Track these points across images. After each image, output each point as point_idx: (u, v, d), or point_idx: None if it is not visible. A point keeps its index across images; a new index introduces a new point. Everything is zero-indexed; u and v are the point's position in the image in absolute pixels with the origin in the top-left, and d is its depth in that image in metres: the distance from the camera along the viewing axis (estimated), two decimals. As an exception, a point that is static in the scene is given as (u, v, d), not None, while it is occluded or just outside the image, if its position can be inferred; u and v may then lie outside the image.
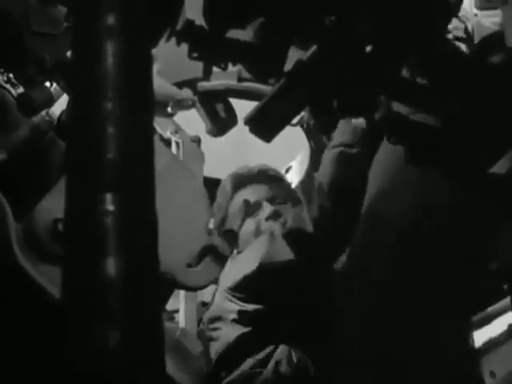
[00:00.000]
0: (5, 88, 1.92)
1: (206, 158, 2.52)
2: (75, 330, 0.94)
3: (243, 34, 1.37)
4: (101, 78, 1.03)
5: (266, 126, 1.57)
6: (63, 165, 1.79)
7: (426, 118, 1.51)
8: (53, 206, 1.68)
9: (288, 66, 1.44)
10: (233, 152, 3.53)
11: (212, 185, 2.20)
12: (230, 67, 1.42)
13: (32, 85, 1.87)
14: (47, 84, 1.90)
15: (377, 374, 1.95)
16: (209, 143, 2.66)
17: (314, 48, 1.41)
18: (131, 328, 0.93)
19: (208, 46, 1.36)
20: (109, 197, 0.96)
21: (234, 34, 1.36)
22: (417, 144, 1.52)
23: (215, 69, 2.37)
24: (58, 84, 1.89)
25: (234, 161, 3.52)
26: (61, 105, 1.91)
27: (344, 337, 2.05)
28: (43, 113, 1.89)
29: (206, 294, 2.75)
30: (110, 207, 0.96)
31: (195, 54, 1.35)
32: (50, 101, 1.87)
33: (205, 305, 2.72)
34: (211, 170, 2.85)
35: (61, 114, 1.87)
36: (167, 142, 2.50)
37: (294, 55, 1.42)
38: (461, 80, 1.42)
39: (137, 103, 1.04)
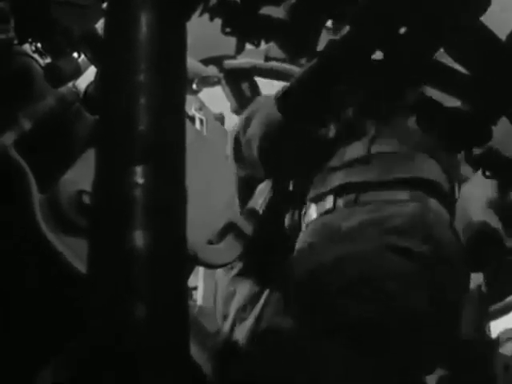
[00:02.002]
0: (33, 58, 1.91)
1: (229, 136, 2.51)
2: (100, 303, 0.94)
3: (277, 11, 1.35)
4: (134, 49, 1.02)
5: (296, 106, 1.55)
6: (92, 136, 1.78)
7: (459, 105, 1.49)
8: (78, 177, 1.68)
9: (321, 46, 1.42)
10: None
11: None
12: (263, 45, 1.40)
13: (60, 55, 1.86)
14: (75, 55, 1.89)
15: None
16: (233, 121, 2.65)
17: (347, 28, 1.40)
18: (157, 302, 0.93)
19: (241, 22, 1.34)
20: (139, 169, 0.96)
21: (267, 10, 1.35)
22: (448, 130, 1.50)
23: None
24: (85, 55, 1.88)
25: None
26: (87, 76, 1.90)
27: None
28: (70, 84, 1.88)
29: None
30: (140, 180, 0.95)
31: (228, 30, 1.33)
32: (77, 72, 1.87)
33: None
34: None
35: (88, 86, 1.86)
36: (191, 119, 2.50)
37: (327, 35, 1.40)
38: (496, 66, 1.40)
39: (170, 76, 1.03)
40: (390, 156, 2.13)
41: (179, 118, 1.03)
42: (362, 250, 1.92)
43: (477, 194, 2.10)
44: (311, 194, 2.16)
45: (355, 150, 2.12)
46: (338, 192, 2.09)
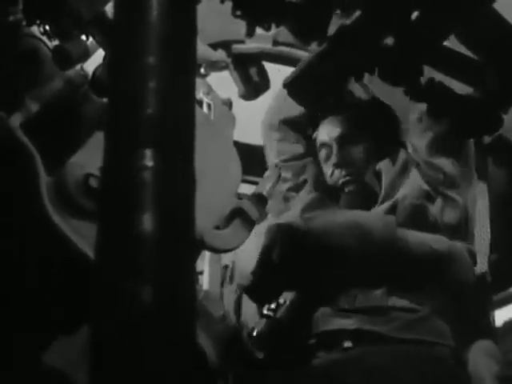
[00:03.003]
0: (41, 40, 1.90)
1: (237, 122, 2.50)
2: (107, 287, 0.93)
3: (288, -6, 1.34)
4: (143, 32, 1.01)
5: (305, 90, 1.54)
6: (99, 119, 1.78)
7: (468, 90, 1.49)
8: (85, 160, 1.67)
9: (331, 30, 1.41)
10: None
11: (241, 149, 2.18)
12: (273, 29, 1.39)
13: (68, 38, 1.85)
14: (83, 37, 1.88)
15: None
16: (241, 107, 2.64)
17: (358, 12, 1.39)
18: (164, 286, 0.92)
19: (252, 5, 1.33)
20: (148, 152, 0.95)
21: (279, -7, 1.34)
22: (457, 115, 1.49)
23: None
24: (93, 38, 1.87)
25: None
26: (95, 60, 1.90)
27: None
28: (78, 67, 1.87)
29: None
30: (149, 163, 0.95)
31: (238, 13, 1.33)
32: (86, 54, 1.86)
33: (227, 267, 2.71)
34: (242, 134, 2.84)
35: (96, 69, 1.85)
36: (199, 103, 2.48)
37: (338, 19, 1.39)
38: (507, 53, 1.39)
39: (179, 59, 1.02)
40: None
41: (188, 101, 1.03)
42: None
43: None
44: None
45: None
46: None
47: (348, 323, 2.19)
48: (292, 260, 2.15)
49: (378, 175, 2.56)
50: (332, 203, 2.62)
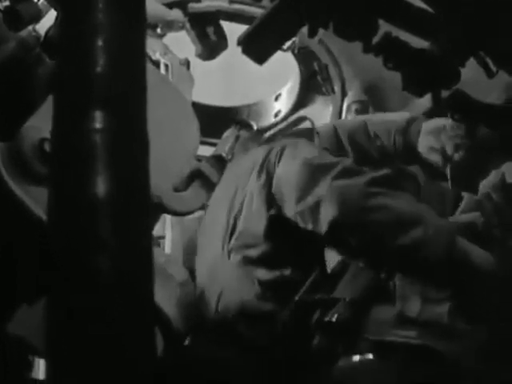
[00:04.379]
0: (-10, 1, 1.86)
1: (195, 81, 2.47)
2: (62, 251, 0.91)
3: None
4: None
5: (259, 47, 1.52)
6: (51, 81, 1.74)
7: (424, 44, 1.47)
8: (40, 125, 1.64)
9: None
10: (222, 76, 3.47)
11: (199, 110, 2.15)
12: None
13: (19, -1, 1.81)
14: (34, -1, 1.84)
15: None
16: (198, 66, 2.61)
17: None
18: (120, 249, 0.91)
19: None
20: (98, 114, 0.93)
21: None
22: (414, 71, 1.48)
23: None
24: (45, -1, 1.83)
25: (223, 85, 3.47)
26: (48, 21, 1.85)
27: None
28: (30, 28, 1.83)
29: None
30: (99, 125, 0.92)
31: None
32: (38, 15, 1.82)
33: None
34: (200, 94, 2.81)
35: (48, 30, 1.81)
36: (156, 64, 2.45)
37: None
38: (464, 6, 1.38)
39: (128, 16, 0.99)
40: None
41: (139, 60, 1.00)
42: None
43: None
44: None
45: None
46: None
47: (411, 335, 2.10)
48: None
49: None
50: None
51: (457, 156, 2.26)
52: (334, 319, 1.96)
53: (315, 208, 1.99)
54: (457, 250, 2.00)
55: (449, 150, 2.26)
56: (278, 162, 2.16)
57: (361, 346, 1.97)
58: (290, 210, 2.06)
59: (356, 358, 2.00)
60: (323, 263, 2.18)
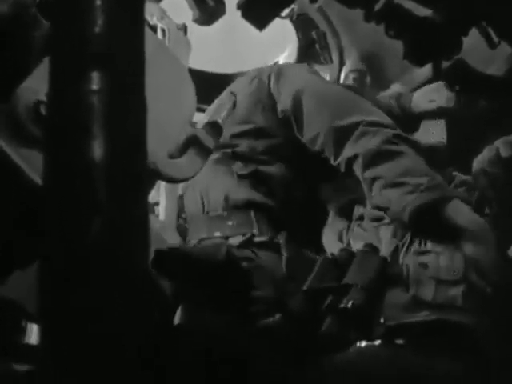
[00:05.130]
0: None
1: (192, 47, 2.45)
2: (57, 216, 0.90)
3: None
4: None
5: (259, 11, 1.51)
6: (47, 42, 1.71)
7: (429, 14, 1.45)
8: (36, 87, 1.61)
9: None
10: (219, 43, 3.44)
11: (196, 76, 2.13)
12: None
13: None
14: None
15: None
16: (195, 32, 2.58)
17: None
18: (116, 214, 0.89)
19: None
20: (94, 75, 0.91)
21: None
22: (415, 39, 1.46)
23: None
24: (41, -40, 1.80)
25: (221, 52, 3.44)
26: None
27: None
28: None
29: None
30: (96, 86, 0.90)
31: None
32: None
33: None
34: (197, 59, 2.78)
35: (44, -10, 1.78)
36: (153, 29, 2.42)
37: None
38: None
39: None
40: None
41: (137, 21, 0.98)
42: None
43: None
44: None
45: None
46: None
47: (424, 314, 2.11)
48: None
49: None
50: None
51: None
52: (349, 305, 1.96)
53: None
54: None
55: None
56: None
57: (376, 331, 1.97)
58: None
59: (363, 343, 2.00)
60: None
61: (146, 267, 0.94)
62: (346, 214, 2.45)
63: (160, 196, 2.65)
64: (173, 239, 2.36)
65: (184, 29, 2.46)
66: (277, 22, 1.94)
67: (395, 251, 2.15)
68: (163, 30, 2.39)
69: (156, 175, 1.82)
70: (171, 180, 1.97)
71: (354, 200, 2.43)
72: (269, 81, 2.46)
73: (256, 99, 2.47)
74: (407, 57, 1.48)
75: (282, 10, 1.64)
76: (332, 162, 2.31)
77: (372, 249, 2.15)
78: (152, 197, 2.57)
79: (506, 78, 1.80)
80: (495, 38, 1.61)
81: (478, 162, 2.23)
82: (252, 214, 2.38)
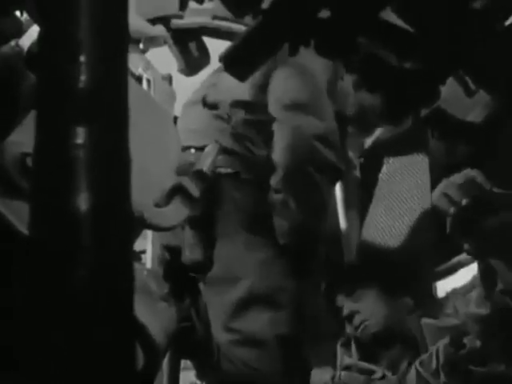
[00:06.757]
0: (-29, 16, 1.86)
1: (177, 97, 2.49)
2: (43, 267, 0.92)
3: (220, -31, 1.33)
4: (73, 5, 0.98)
5: (241, 64, 1.54)
6: (33, 97, 1.74)
7: (405, 63, 1.48)
8: (22, 139, 1.64)
9: (265, 4, 1.40)
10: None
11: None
12: (207, 2, 1.37)
13: (1, 13, 1.81)
14: (17, 13, 1.85)
15: None
16: (180, 82, 2.62)
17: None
18: (102, 265, 0.91)
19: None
20: (80, 130, 0.93)
21: (211, -33, 1.32)
22: (393, 90, 1.50)
23: (190, 5, 2.33)
24: (28, 14, 1.83)
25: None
26: (31, 35, 1.86)
27: None
28: (13, 43, 1.83)
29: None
30: (81, 140, 0.93)
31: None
32: (20, 31, 1.82)
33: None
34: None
35: (31, 45, 1.82)
36: (138, 79, 2.46)
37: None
38: (443, 25, 1.40)
39: (111, 32, 1.00)
40: None
41: (121, 76, 1.01)
42: None
43: None
44: None
45: None
46: None
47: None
48: None
49: None
50: None
51: None
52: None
53: None
54: None
55: None
56: None
57: None
58: None
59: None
60: None
61: (130, 315, 0.96)
62: None
63: (147, 244, 2.66)
64: (161, 288, 2.36)
65: (169, 79, 2.50)
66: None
67: None
68: (148, 81, 2.43)
69: (142, 224, 1.84)
70: (157, 228, 1.99)
71: None
72: None
73: None
74: (384, 117, 1.52)
75: (265, 61, 1.67)
76: None
77: None
78: (138, 245, 2.58)
79: (484, 124, 1.83)
80: (472, 86, 1.65)
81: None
82: None
